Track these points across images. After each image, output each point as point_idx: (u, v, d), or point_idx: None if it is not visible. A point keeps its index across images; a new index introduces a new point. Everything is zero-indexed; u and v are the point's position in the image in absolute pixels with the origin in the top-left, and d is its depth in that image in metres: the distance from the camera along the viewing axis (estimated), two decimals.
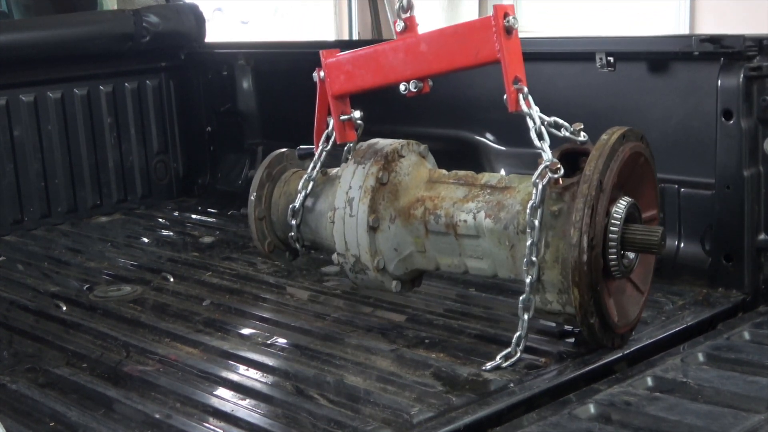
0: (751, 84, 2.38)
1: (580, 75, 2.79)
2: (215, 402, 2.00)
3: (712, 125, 2.45)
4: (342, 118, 2.34)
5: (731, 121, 2.41)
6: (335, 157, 2.42)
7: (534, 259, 2.02)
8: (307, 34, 9.70)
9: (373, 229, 2.24)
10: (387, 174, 2.26)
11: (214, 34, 4.49)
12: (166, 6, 4.09)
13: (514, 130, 3.03)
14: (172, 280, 2.91)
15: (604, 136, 2.07)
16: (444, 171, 2.34)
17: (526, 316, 2.07)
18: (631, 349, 2.14)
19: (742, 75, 2.38)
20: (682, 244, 2.63)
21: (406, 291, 2.38)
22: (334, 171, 2.42)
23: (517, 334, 2.08)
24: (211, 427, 1.89)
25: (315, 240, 2.43)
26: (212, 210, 3.84)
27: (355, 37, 9.49)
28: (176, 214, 3.85)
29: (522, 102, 2.07)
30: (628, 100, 2.71)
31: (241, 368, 2.18)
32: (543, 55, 2.83)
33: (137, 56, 3.93)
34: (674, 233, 2.63)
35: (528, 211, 2.02)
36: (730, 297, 2.43)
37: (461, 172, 2.30)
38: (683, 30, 8.17)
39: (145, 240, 3.46)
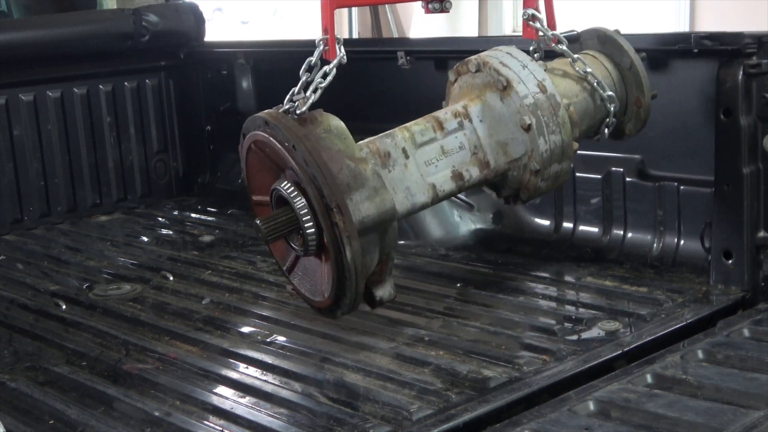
0: (751, 81, 2.37)
1: None
2: (215, 400, 2.01)
3: (712, 122, 2.45)
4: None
5: (730, 119, 2.40)
6: None
7: None
8: (306, 34, 9.69)
9: None
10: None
11: (214, 35, 4.49)
12: (166, 5, 4.09)
13: None
14: (171, 278, 2.91)
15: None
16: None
17: None
18: (631, 346, 2.14)
19: (741, 72, 2.37)
20: (681, 242, 2.63)
21: None
22: None
23: None
24: (211, 424, 1.90)
25: None
26: (212, 209, 3.84)
27: (355, 36, 9.48)
28: (176, 213, 3.85)
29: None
30: None
31: (241, 366, 2.18)
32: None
33: (137, 55, 3.93)
34: (674, 230, 2.64)
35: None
36: (730, 294, 2.43)
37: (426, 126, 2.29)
38: (683, 29, 8.16)
39: (145, 239, 3.46)
